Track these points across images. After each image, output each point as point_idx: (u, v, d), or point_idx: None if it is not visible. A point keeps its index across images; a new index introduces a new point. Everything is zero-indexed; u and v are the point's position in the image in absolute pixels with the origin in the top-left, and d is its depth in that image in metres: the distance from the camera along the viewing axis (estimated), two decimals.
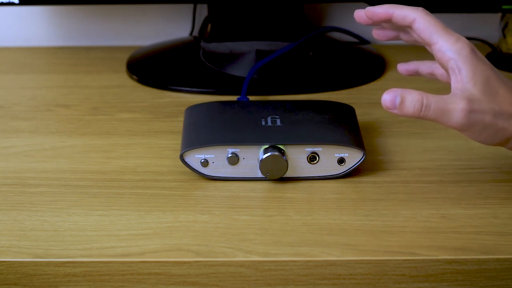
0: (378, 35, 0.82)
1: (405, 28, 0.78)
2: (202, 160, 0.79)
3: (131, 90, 1.03)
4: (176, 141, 0.86)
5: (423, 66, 0.84)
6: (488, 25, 1.18)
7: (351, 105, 0.89)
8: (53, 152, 0.86)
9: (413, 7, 0.76)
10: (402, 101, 0.72)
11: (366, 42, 1.17)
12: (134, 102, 1.00)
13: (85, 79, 1.07)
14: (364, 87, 1.04)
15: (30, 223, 0.73)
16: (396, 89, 0.72)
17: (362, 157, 0.80)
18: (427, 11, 0.76)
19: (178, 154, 0.80)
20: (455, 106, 0.71)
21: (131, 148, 0.87)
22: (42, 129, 0.92)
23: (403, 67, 0.85)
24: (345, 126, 0.82)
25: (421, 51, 1.18)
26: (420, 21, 0.75)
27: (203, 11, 1.18)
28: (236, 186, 0.79)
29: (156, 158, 0.85)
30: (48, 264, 0.69)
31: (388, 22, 0.78)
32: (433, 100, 0.72)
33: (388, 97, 0.72)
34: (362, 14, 0.78)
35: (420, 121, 0.90)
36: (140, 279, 0.69)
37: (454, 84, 0.73)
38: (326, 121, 0.83)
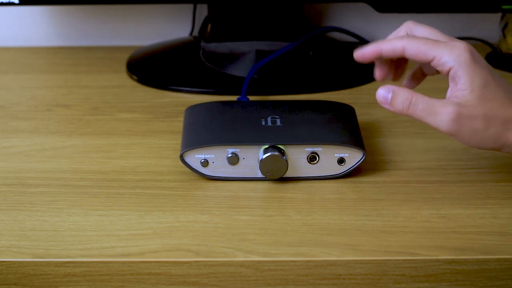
0: (381, 76, 0.82)
1: (401, 61, 0.80)
2: (202, 160, 0.79)
3: (131, 90, 1.03)
4: (176, 141, 0.86)
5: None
6: (488, 25, 1.18)
7: (351, 105, 0.89)
8: (53, 152, 0.86)
9: (398, 37, 0.77)
10: (393, 97, 0.75)
11: (366, 42, 1.17)
12: (134, 102, 1.00)
13: (85, 79, 1.07)
14: (364, 87, 1.04)
15: (30, 223, 0.73)
16: (391, 85, 0.75)
17: (362, 157, 0.80)
18: (412, 35, 0.77)
19: (178, 154, 0.80)
20: (442, 110, 0.73)
21: (131, 148, 0.87)
22: (42, 129, 0.92)
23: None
24: (345, 126, 0.82)
25: None
26: (410, 48, 0.75)
27: (203, 11, 1.18)
28: (236, 186, 0.79)
29: (156, 158, 0.85)
30: (48, 264, 0.69)
31: (380, 59, 0.79)
32: (422, 100, 0.74)
33: (381, 92, 0.75)
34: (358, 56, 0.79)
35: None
36: (140, 279, 0.69)
37: (450, 92, 0.75)
38: (326, 121, 0.83)
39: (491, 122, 0.73)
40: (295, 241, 0.71)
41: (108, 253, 0.69)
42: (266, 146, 0.79)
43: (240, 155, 0.79)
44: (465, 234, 0.71)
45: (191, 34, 1.19)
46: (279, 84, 1.03)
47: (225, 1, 1.09)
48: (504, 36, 1.10)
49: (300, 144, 0.79)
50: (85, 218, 0.74)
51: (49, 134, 0.91)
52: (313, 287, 0.69)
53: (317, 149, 0.79)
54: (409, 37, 0.76)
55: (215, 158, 0.79)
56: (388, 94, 0.75)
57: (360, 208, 0.75)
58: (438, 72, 0.78)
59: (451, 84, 0.75)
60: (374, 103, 0.97)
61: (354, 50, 0.78)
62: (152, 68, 1.08)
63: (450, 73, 0.74)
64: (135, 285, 0.69)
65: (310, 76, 1.05)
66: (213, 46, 1.08)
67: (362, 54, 0.78)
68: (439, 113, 0.73)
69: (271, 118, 0.83)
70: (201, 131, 0.82)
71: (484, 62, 0.75)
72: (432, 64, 0.75)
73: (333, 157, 0.79)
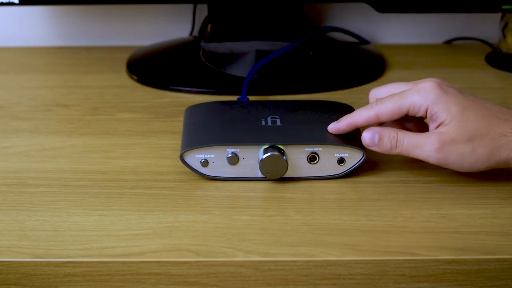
0: None
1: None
2: (202, 160, 0.79)
3: (131, 90, 1.03)
4: (176, 141, 0.86)
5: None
6: (488, 25, 1.18)
7: (351, 105, 0.89)
8: (53, 152, 0.86)
9: (367, 106, 0.78)
10: (380, 139, 0.77)
11: (366, 42, 1.17)
12: (134, 102, 1.00)
13: (85, 79, 1.07)
14: (364, 87, 1.04)
15: (30, 223, 0.73)
16: (375, 127, 0.77)
17: (362, 157, 0.80)
18: (379, 99, 0.78)
19: (178, 154, 0.80)
20: (426, 141, 0.75)
21: (131, 148, 0.87)
22: (42, 129, 0.92)
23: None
24: None
25: (423, 49, 1.18)
26: (383, 112, 0.77)
27: (203, 11, 1.18)
28: (236, 186, 0.79)
29: (156, 158, 0.85)
30: (48, 264, 0.69)
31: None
32: (406, 136, 0.76)
33: (368, 135, 0.77)
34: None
35: None
36: (140, 279, 0.69)
37: (431, 128, 0.76)
38: (326, 121, 0.83)
39: (477, 142, 0.74)
40: (295, 241, 0.71)
41: (108, 253, 0.69)
42: (266, 146, 0.79)
43: (240, 155, 0.79)
44: (465, 234, 0.71)
45: (191, 34, 1.19)
46: (279, 84, 1.03)
47: (225, 1, 1.09)
48: (504, 36, 1.10)
49: (300, 144, 0.79)
50: (85, 218, 0.74)
51: (49, 134, 0.91)
52: (313, 287, 0.69)
53: (317, 149, 0.79)
54: (377, 103, 0.77)
55: (215, 158, 0.79)
56: (374, 136, 0.77)
57: (360, 208, 0.75)
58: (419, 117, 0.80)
59: (431, 124, 0.76)
60: None
61: (329, 126, 0.80)
62: (152, 68, 1.08)
63: (427, 114, 0.76)
64: (135, 285, 0.69)
65: (310, 76, 1.05)
66: (213, 46, 1.08)
67: (337, 129, 0.80)
68: (424, 144, 0.75)
69: (271, 118, 0.83)
70: (201, 131, 0.82)
71: (456, 90, 0.77)
72: (410, 114, 0.77)
73: (333, 157, 0.79)
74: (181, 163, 0.80)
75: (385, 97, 0.78)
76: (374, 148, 0.77)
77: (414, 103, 0.76)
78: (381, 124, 0.80)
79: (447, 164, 0.75)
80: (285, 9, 1.10)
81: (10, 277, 0.69)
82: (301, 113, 0.84)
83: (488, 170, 0.78)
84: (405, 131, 0.77)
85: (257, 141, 0.79)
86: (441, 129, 0.75)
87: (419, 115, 0.77)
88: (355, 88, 1.03)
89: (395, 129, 0.77)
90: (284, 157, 0.78)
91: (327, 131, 0.81)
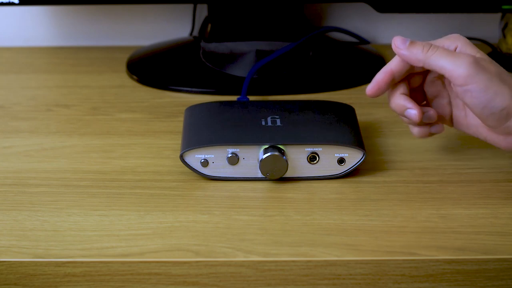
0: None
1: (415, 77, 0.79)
2: (202, 160, 0.79)
3: (131, 90, 1.03)
4: (176, 141, 0.86)
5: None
6: (488, 25, 1.18)
7: (351, 105, 0.89)
8: (53, 152, 0.86)
9: (421, 44, 0.75)
10: (412, 42, 0.75)
11: (366, 42, 1.17)
12: (134, 102, 1.00)
13: (85, 79, 1.07)
14: (364, 87, 1.04)
15: (30, 223, 0.73)
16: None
17: (362, 157, 0.80)
18: (434, 46, 0.75)
19: (178, 154, 0.80)
20: (462, 53, 0.73)
21: (131, 148, 0.87)
22: (42, 129, 0.92)
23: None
24: (345, 126, 0.82)
25: None
26: (428, 57, 0.74)
27: (203, 11, 1.18)
28: (236, 186, 0.79)
29: (156, 158, 0.85)
30: (48, 264, 0.69)
31: (396, 77, 0.77)
32: (440, 46, 0.74)
33: (399, 38, 0.75)
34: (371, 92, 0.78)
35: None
36: (140, 279, 0.69)
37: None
38: (326, 121, 0.83)
39: (505, 82, 0.73)
40: (295, 241, 0.71)
41: (108, 253, 0.69)
42: (266, 146, 0.79)
43: (240, 155, 0.79)
44: (465, 234, 0.71)
45: (191, 34, 1.19)
46: (279, 84, 1.03)
47: (225, 1, 1.09)
48: (504, 36, 1.10)
49: (300, 144, 0.79)
50: (85, 218, 0.74)
51: (49, 134, 0.91)
52: (313, 287, 0.69)
53: (317, 149, 0.79)
54: (432, 49, 0.75)
55: (215, 158, 0.79)
56: (406, 40, 0.75)
57: (360, 208, 0.75)
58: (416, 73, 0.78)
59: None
60: (375, 103, 0.97)
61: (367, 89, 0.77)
62: (152, 68, 1.08)
63: (457, 88, 0.73)
64: (135, 285, 0.70)
65: (310, 76, 1.05)
66: (213, 46, 1.08)
67: (377, 81, 0.77)
68: (459, 55, 0.73)
69: (271, 118, 0.83)
70: (201, 131, 0.82)
71: (493, 63, 0.75)
72: (433, 76, 0.77)
73: (333, 157, 0.79)
74: (181, 163, 0.80)
75: (441, 49, 0.74)
76: (402, 52, 0.74)
77: (452, 73, 0.73)
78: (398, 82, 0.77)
79: (473, 82, 0.72)
80: (285, 9, 1.10)
81: (10, 277, 0.69)
82: (301, 113, 0.84)
83: (488, 169, 0.78)
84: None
85: (257, 141, 0.79)
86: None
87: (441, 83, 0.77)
88: (355, 88, 1.03)
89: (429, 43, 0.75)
90: (284, 157, 0.78)
91: (327, 130, 0.81)
